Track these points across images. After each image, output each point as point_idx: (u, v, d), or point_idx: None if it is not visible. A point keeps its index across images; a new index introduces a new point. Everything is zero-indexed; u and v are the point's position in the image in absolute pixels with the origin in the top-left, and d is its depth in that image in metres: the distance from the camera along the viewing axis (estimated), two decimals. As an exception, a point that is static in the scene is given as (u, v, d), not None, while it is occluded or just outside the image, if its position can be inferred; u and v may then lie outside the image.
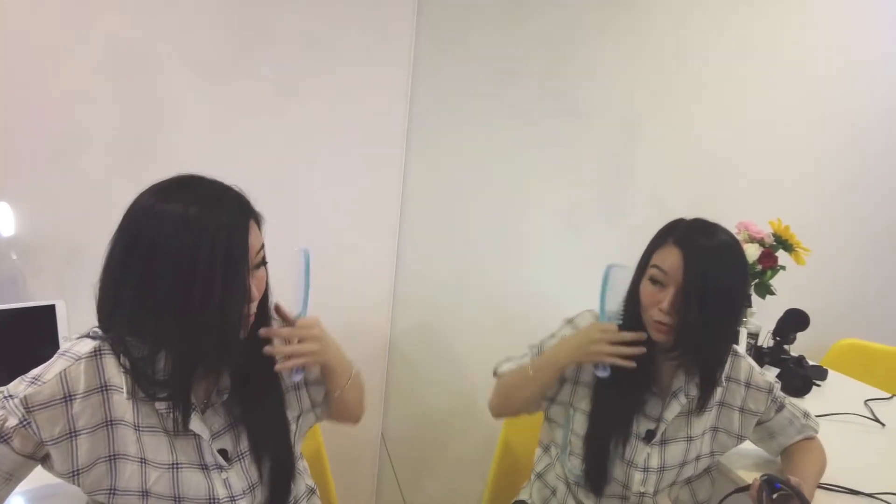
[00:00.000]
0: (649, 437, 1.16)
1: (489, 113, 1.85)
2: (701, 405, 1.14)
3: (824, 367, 1.81)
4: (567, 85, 1.89)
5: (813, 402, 1.61)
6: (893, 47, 2.19)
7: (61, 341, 1.31)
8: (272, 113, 1.65)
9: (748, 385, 1.19)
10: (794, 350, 1.79)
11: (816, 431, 1.25)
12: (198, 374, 0.86)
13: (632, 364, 1.08)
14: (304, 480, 1.08)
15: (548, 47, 1.85)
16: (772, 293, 1.70)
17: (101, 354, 0.84)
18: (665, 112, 2.00)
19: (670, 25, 1.95)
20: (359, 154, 1.75)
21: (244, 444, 0.94)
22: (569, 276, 1.98)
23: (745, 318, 1.72)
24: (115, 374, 0.84)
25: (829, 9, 2.10)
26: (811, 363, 1.80)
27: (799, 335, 1.76)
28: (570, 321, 1.23)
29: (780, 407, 1.22)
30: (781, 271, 1.72)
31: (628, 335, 1.08)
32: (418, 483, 2.02)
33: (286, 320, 0.96)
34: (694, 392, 1.14)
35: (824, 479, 1.20)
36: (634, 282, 1.13)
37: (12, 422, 0.79)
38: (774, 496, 1.01)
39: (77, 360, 0.82)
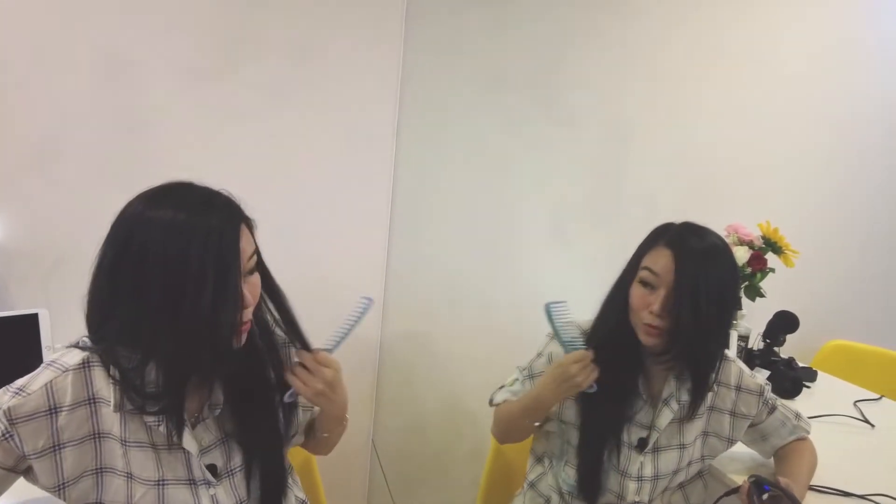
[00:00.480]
0: (641, 445, 1.15)
1: (478, 119, 1.84)
2: (692, 411, 1.14)
3: (814, 369, 1.82)
4: (556, 91, 1.90)
5: (803, 403, 1.61)
6: (878, 50, 2.22)
7: (45, 351, 1.29)
8: (258, 118, 1.64)
9: (738, 389, 1.18)
10: (784, 352, 1.79)
11: (808, 432, 1.25)
12: (190, 386, 0.84)
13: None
14: (294, 493, 1.07)
15: (537, 54, 1.86)
16: (761, 295, 1.70)
17: (89, 366, 0.82)
18: (654, 117, 2.01)
19: (659, 32, 1.96)
20: (347, 160, 1.74)
21: (236, 461, 0.92)
22: (559, 281, 1.98)
23: (736, 320, 1.72)
24: (103, 386, 0.82)
25: (814, 13, 2.12)
26: (801, 365, 1.81)
27: (788, 337, 1.77)
28: (524, 369, 1.24)
29: (772, 409, 1.22)
30: (771, 273, 1.72)
31: (590, 354, 1.06)
32: (410, 491, 2.01)
33: (305, 346, 0.94)
34: (685, 398, 1.13)
35: (816, 481, 1.20)
36: (623, 285, 1.12)
37: None
38: (764, 497, 1.00)
39: (64, 372, 0.80)
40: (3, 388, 0.80)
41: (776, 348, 1.77)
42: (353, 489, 1.96)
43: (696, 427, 1.17)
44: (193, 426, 0.88)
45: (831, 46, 2.16)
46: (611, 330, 1.12)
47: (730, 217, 1.79)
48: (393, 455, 1.96)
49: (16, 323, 1.27)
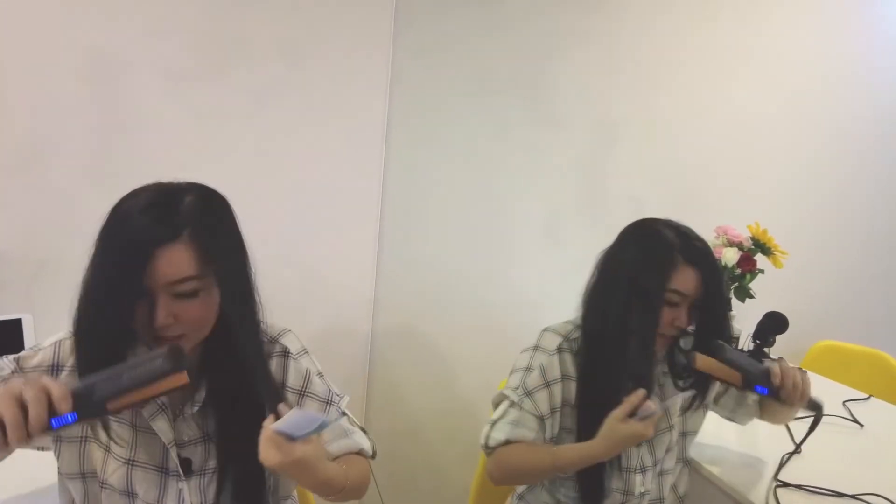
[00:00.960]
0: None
1: (467, 120, 1.84)
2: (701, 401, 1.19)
3: (803, 370, 1.82)
4: (544, 92, 1.90)
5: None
6: (869, 52, 2.24)
7: (28, 357, 1.27)
8: (247, 120, 1.63)
9: None
10: (774, 353, 1.79)
11: None
12: None
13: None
14: None
15: (525, 55, 1.86)
16: (751, 296, 1.71)
17: None
18: (642, 118, 2.01)
19: (646, 33, 1.97)
20: (337, 161, 1.73)
21: (211, 462, 0.91)
22: (548, 280, 1.98)
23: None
24: None
25: (804, 14, 2.13)
26: (790, 366, 1.81)
27: (778, 338, 1.77)
28: (536, 348, 1.18)
29: None
30: (760, 275, 1.73)
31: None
32: (401, 494, 1.99)
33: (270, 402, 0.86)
34: (664, 381, 1.18)
35: (806, 481, 1.21)
36: (624, 301, 1.09)
37: (3, 373, 0.83)
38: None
39: (70, 337, 0.83)
40: None
41: (766, 349, 1.77)
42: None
43: (678, 403, 1.20)
44: (174, 418, 0.89)
45: (826, 47, 2.18)
46: (612, 339, 1.10)
47: (717, 218, 1.80)
48: (383, 458, 1.93)
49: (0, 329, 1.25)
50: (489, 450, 1.13)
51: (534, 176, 1.93)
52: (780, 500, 1.15)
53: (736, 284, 1.71)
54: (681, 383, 1.19)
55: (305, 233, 1.74)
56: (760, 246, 1.74)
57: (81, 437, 0.88)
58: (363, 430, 1.04)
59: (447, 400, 1.96)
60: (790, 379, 1.01)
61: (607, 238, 1.21)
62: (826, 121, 2.24)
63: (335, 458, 0.97)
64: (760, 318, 1.77)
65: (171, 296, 0.78)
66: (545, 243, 1.98)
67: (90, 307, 0.77)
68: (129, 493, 0.89)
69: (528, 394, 1.14)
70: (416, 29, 1.75)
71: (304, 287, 1.75)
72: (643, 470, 1.18)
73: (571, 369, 1.16)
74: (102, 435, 0.85)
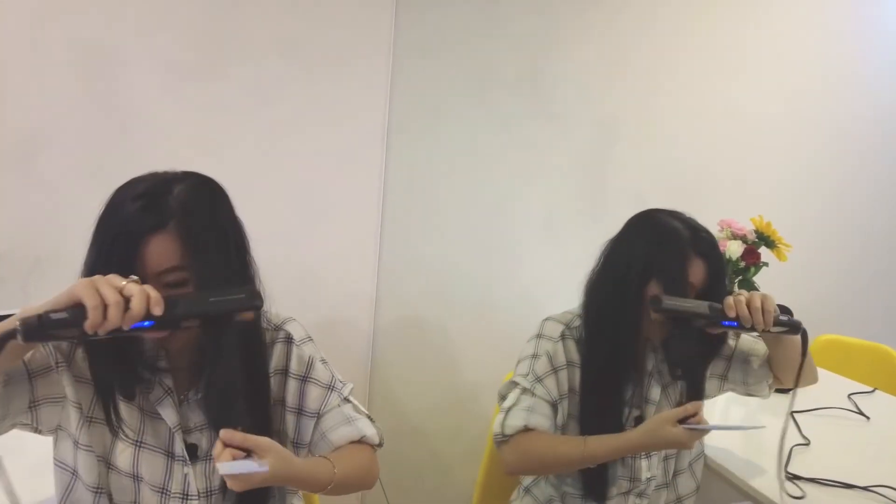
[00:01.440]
0: (638, 423, 1.15)
1: (467, 115, 1.83)
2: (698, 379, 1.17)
3: (764, 293, 1.81)
4: (545, 88, 1.89)
5: (798, 396, 1.61)
6: (870, 50, 2.24)
7: (26, 352, 1.25)
8: (247, 115, 1.61)
9: None
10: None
11: None
12: (180, 364, 0.87)
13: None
14: (291, 501, 1.05)
15: (525, 50, 1.85)
16: (755, 289, 1.70)
17: None
18: (642, 116, 2.01)
19: (647, 28, 1.96)
20: (337, 156, 1.71)
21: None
22: (549, 276, 1.97)
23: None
24: None
25: (804, 12, 2.13)
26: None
27: (781, 332, 1.77)
28: (540, 336, 1.19)
29: (737, 337, 1.24)
30: (764, 268, 1.72)
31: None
32: (405, 492, 1.97)
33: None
34: (661, 369, 1.17)
35: (817, 474, 1.20)
36: (637, 286, 1.08)
37: None
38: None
39: None
40: None
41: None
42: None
43: (678, 388, 1.20)
44: (180, 403, 0.89)
45: (826, 45, 2.18)
46: (615, 325, 1.10)
47: (717, 216, 1.79)
48: (386, 456, 1.92)
49: (-5, 324, 1.22)
50: (505, 437, 1.10)
51: (534, 173, 1.92)
52: (791, 493, 1.14)
53: (740, 278, 1.70)
54: (677, 371, 1.18)
55: (306, 230, 1.72)
56: (764, 239, 1.73)
57: (89, 416, 0.87)
58: (369, 417, 1.02)
59: (449, 396, 1.95)
60: (744, 305, 1.00)
61: (608, 232, 1.20)
62: (827, 118, 2.24)
63: (335, 448, 0.95)
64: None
65: (161, 285, 0.77)
66: (546, 240, 1.97)
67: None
68: (135, 477, 0.89)
69: (539, 380, 1.14)
70: (417, 26, 1.73)
71: (305, 284, 1.73)
72: (648, 455, 1.17)
73: (575, 356, 1.16)
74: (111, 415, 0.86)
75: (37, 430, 0.88)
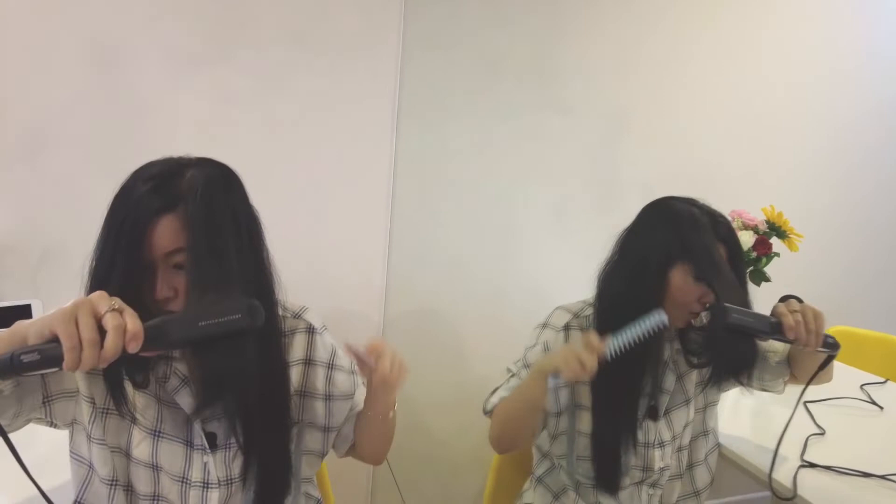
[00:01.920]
0: (652, 413, 1.15)
1: (477, 105, 1.82)
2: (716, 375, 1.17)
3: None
4: (555, 79, 1.88)
5: (811, 388, 1.60)
6: (882, 40, 2.22)
7: (38, 343, 1.25)
8: (255, 105, 1.60)
9: None
10: (790, 337, 1.78)
11: None
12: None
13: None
14: (306, 490, 1.05)
15: (535, 41, 1.83)
16: (767, 280, 1.69)
17: None
18: (653, 104, 1.99)
19: (658, 19, 1.94)
20: (346, 146, 1.70)
21: (238, 437, 0.89)
22: (561, 268, 1.96)
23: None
24: None
25: (817, 3, 2.11)
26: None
27: (793, 322, 1.76)
28: (545, 325, 1.20)
29: None
30: (776, 258, 1.71)
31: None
32: (416, 485, 1.97)
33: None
34: (677, 358, 1.18)
35: (833, 462, 1.19)
36: (659, 272, 1.07)
37: None
38: None
39: None
40: None
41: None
42: (356, 487, 1.92)
43: (693, 377, 1.19)
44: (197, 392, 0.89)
45: (837, 32, 2.16)
46: (634, 310, 1.09)
47: (728, 203, 1.78)
48: (397, 449, 1.91)
49: (9, 314, 1.22)
50: (487, 414, 1.18)
51: (544, 165, 1.91)
52: (807, 482, 1.13)
53: (751, 268, 1.69)
54: (694, 360, 1.17)
55: (315, 221, 1.71)
56: (776, 229, 1.71)
57: (104, 408, 0.86)
58: None
59: (459, 389, 1.94)
60: (802, 329, 1.00)
61: (619, 224, 1.19)
62: (839, 107, 2.22)
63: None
64: (776, 301, 1.76)
65: (170, 268, 0.78)
66: (556, 232, 1.96)
67: (96, 277, 0.77)
68: (154, 466, 0.88)
69: (527, 366, 1.18)
70: (427, 15, 1.72)
71: (314, 276, 1.73)
72: (661, 445, 1.16)
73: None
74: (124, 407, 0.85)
75: (52, 425, 0.88)
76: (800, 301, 1.70)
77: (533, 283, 1.95)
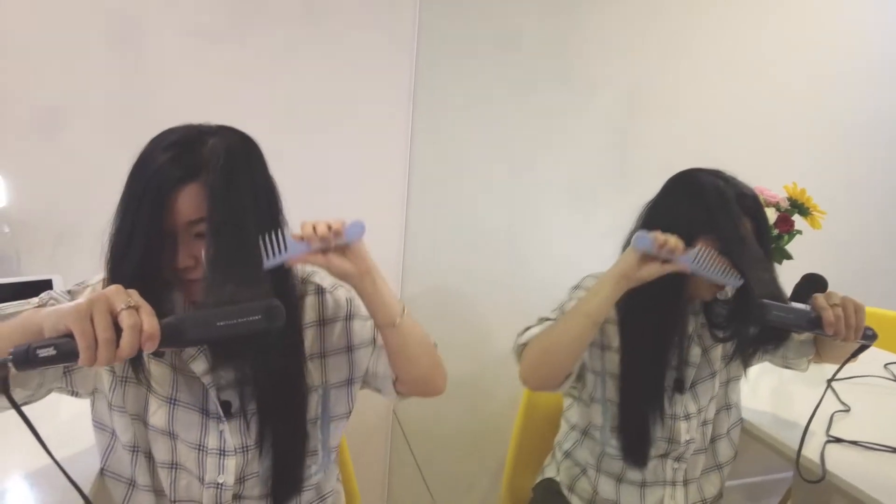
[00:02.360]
0: (678, 385, 1.15)
1: (494, 83, 1.79)
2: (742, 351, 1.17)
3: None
4: (572, 54, 1.85)
5: (834, 365, 1.59)
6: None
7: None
8: (270, 81, 1.58)
9: None
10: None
11: None
12: None
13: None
14: (333, 474, 1.06)
15: (553, 17, 1.80)
16: (789, 257, 1.67)
17: None
18: (672, 79, 1.96)
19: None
20: (362, 122, 1.69)
21: (252, 404, 0.90)
22: (578, 245, 1.95)
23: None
24: None
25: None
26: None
27: (815, 301, 1.74)
28: (577, 287, 1.20)
29: None
30: (798, 236, 1.68)
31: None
32: (435, 461, 1.97)
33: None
34: (701, 332, 1.17)
35: (861, 438, 1.18)
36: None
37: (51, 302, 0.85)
38: None
39: None
40: None
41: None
42: (376, 459, 1.92)
43: (718, 351, 1.19)
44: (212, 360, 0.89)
45: (859, 11, 2.12)
46: (658, 286, 1.07)
47: (750, 180, 1.75)
48: (416, 426, 1.92)
49: (31, 288, 1.22)
50: (521, 349, 1.13)
51: (562, 139, 1.89)
52: (833, 457, 1.12)
53: (773, 245, 1.66)
54: (720, 334, 1.17)
55: (330, 198, 1.70)
56: (798, 206, 1.69)
57: (122, 377, 0.87)
58: None
59: (478, 367, 1.94)
60: (843, 323, 0.97)
61: (637, 201, 1.18)
62: (862, 81, 2.18)
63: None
64: (798, 280, 1.74)
65: (191, 236, 0.77)
66: (575, 206, 1.94)
67: (116, 247, 0.76)
68: (171, 434, 0.89)
69: (563, 312, 1.14)
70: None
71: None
72: (687, 417, 1.16)
73: (612, 313, 1.14)
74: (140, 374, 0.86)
75: (74, 394, 0.89)
76: (824, 283, 1.69)
77: (550, 261, 1.94)
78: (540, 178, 1.89)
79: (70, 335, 0.61)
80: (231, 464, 0.90)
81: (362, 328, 0.99)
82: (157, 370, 0.87)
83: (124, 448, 0.89)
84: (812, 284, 1.70)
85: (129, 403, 0.88)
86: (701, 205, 1.05)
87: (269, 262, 0.78)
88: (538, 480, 1.37)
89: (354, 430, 1.80)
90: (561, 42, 1.83)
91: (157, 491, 0.92)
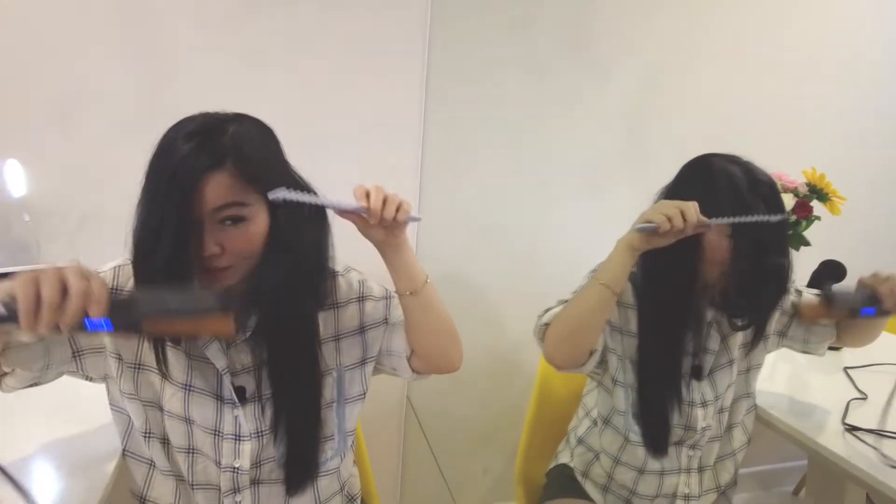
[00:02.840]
0: (696, 372, 1.15)
1: (508, 66, 1.77)
2: (757, 332, 1.17)
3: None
4: (587, 39, 1.82)
5: (851, 353, 1.57)
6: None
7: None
8: (283, 66, 1.58)
9: None
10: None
11: None
12: None
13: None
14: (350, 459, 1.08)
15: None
16: (807, 244, 1.65)
17: None
18: (689, 62, 1.93)
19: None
20: (376, 107, 1.68)
21: (266, 390, 0.92)
22: (592, 231, 1.93)
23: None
24: None
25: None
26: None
27: (833, 288, 1.72)
28: (594, 270, 1.17)
29: (799, 294, 1.25)
30: (816, 222, 1.66)
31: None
32: (448, 446, 1.98)
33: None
34: (720, 319, 1.16)
35: (885, 427, 1.18)
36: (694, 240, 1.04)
37: None
38: None
39: (130, 263, 0.83)
40: None
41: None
42: (390, 444, 1.94)
43: (737, 339, 1.18)
44: (228, 346, 0.91)
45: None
46: (673, 270, 1.07)
47: (767, 166, 1.73)
48: (430, 412, 1.93)
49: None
50: (543, 329, 1.12)
51: (577, 122, 1.87)
52: (851, 445, 1.11)
53: (791, 232, 1.64)
54: (738, 322, 1.16)
55: (344, 181, 1.70)
56: (817, 192, 1.67)
57: (136, 364, 0.89)
58: None
59: (492, 352, 1.94)
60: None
61: (651, 189, 1.18)
62: (888, 65, 2.13)
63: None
64: (817, 266, 1.72)
65: (217, 223, 0.78)
66: (591, 191, 1.92)
67: (142, 237, 0.77)
68: (187, 420, 0.91)
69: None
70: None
71: (344, 238, 1.72)
72: (704, 404, 1.16)
73: (631, 298, 1.15)
74: (154, 361, 0.87)
75: (88, 378, 0.91)
76: (843, 270, 1.67)
77: (564, 247, 1.93)
78: (555, 163, 1.88)
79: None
80: (246, 448, 0.91)
81: (374, 309, 1.00)
82: (172, 357, 0.89)
83: (138, 433, 0.91)
84: (830, 271, 1.69)
85: (141, 390, 0.90)
86: (710, 190, 1.05)
87: (330, 203, 0.90)
88: (552, 466, 1.38)
89: (369, 415, 1.81)
90: (576, 27, 1.80)
91: (177, 475, 0.94)
